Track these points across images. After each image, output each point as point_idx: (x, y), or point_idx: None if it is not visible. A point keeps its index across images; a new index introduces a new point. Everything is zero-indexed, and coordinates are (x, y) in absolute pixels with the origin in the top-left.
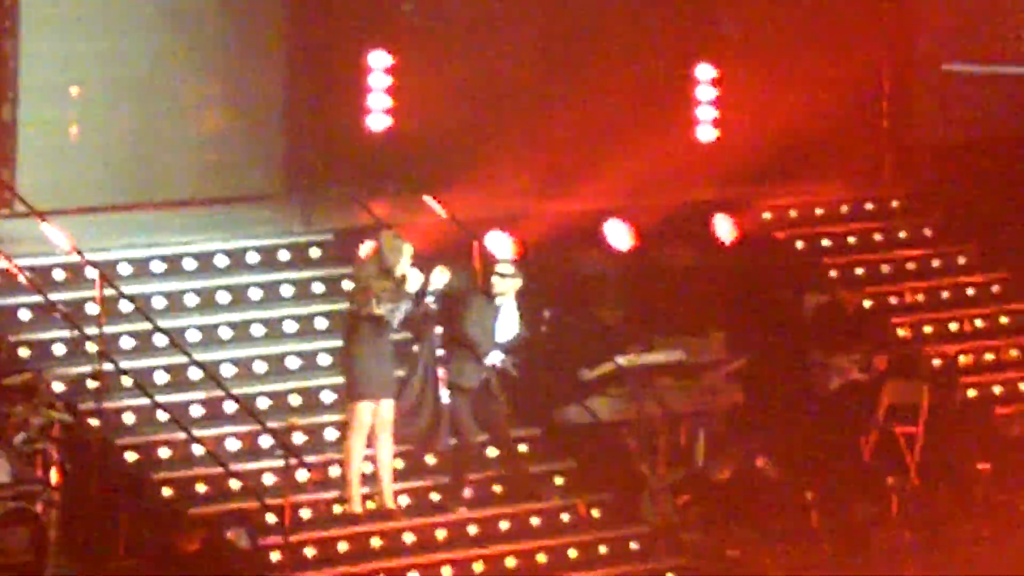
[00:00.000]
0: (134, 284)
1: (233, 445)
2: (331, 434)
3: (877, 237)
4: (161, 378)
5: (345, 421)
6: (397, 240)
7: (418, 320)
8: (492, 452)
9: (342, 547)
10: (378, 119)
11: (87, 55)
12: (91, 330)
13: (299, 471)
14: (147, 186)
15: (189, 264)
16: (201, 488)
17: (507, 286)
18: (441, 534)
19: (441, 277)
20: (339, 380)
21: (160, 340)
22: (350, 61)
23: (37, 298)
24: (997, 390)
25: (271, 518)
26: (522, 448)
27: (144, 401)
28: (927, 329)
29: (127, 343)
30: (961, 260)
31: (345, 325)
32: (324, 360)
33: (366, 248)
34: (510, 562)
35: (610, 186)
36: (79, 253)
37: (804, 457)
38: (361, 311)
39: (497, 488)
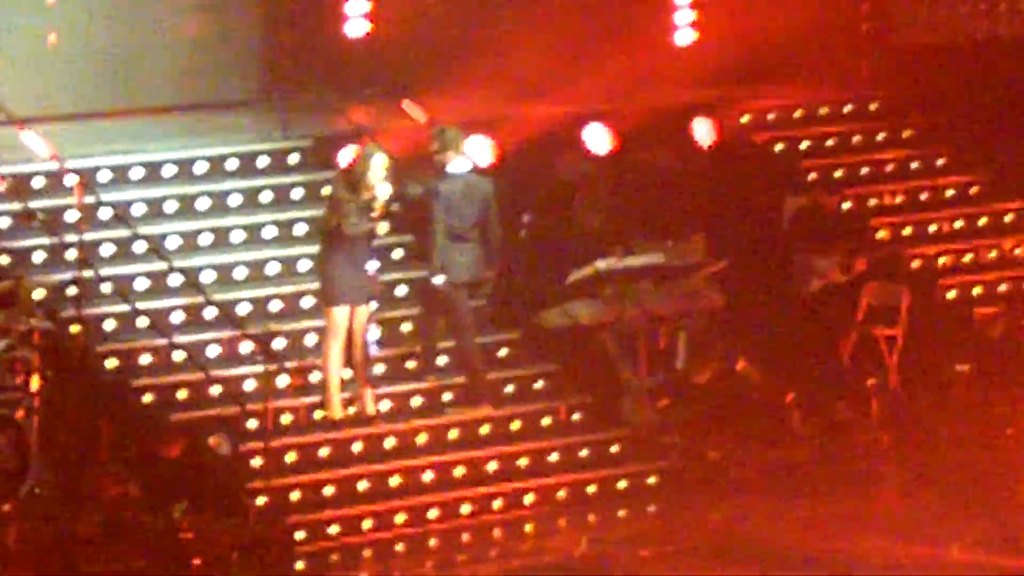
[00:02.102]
0: (114, 191)
1: (214, 351)
2: (311, 339)
3: (856, 139)
4: (141, 284)
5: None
6: (370, 149)
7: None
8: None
9: (323, 452)
10: (356, 24)
11: None
12: (71, 237)
13: (280, 377)
14: (126, 93)
15: (168, 171)
16: (182, 394)
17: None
18: (422, 439)
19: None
20: (318, 285)
21: (140, 247)
22: None
23: (16, 206)
24: (976, 291)
25: (252, 424)
26: (502, 352)
27: (124, 308)
28: (906, 231)
29: (107, 250)
30: (940, 161)
31: (320, 233)
32: (304, 266)
33: (345, 156)
34: (491, 466)
35: (589, 90)
36: (58, 160)
37: (784, 359)
38: (330, 223)
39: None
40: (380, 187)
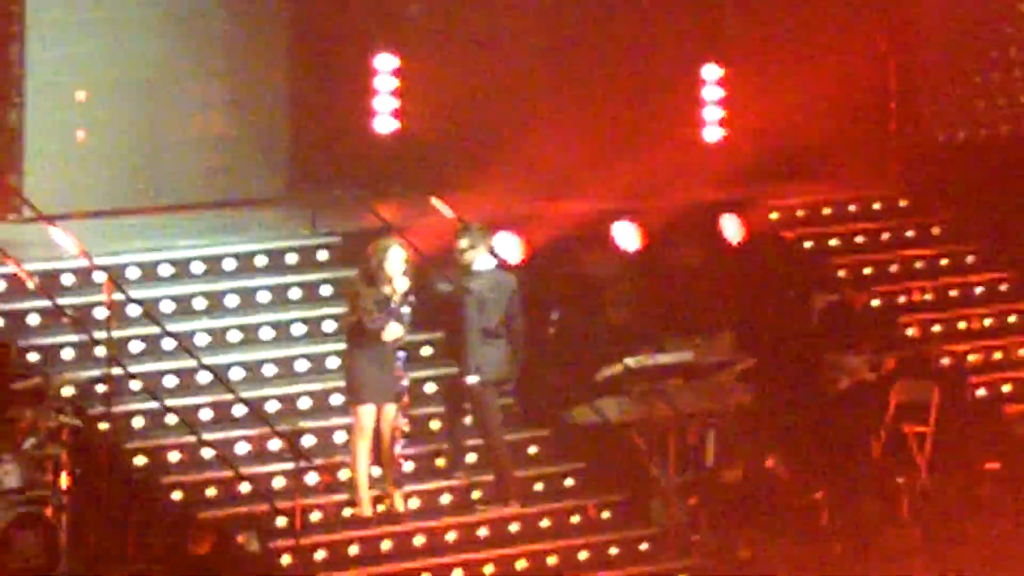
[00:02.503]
0: (142, 288)
1: (242, 448)
2: (340, 437)
3: (885, 236)
4: (170, 382)
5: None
6: (386, 241)
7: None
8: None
9: (352, 550)
10: (384, 121)
11: (92, 59)
12: (100, 334)
13: (309, 474)
14: (154, 190)
15: (197, 267)
16: (211, 491)
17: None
18: (451, 536)
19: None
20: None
21: (168, 344)
22: (356, 63)
23: (46, 303)
24: (1006, 389)
25: (281, 521)
26: (531, 450)
27: (153, 405)
28: (936, 328)
29: (136, 347)
30: (969, 259)
31: (345, 329)
32: (333, 363)
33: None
34: (521, 564)
35: (618, 187)
36: (87, 257)
37: (814, 457)
38: (350, 318)
39: None
40: (398, 280)
